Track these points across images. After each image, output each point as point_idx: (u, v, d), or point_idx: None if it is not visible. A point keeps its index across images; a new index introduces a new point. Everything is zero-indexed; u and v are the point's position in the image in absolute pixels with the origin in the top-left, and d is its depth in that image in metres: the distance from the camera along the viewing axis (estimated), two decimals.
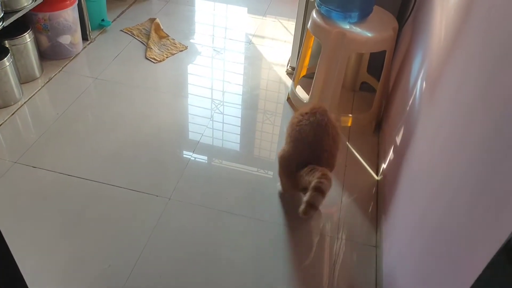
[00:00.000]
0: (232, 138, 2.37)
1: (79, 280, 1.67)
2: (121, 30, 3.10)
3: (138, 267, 1.72)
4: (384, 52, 2.23)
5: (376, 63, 2.55)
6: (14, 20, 2.46)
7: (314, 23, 2.16)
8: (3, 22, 2.20)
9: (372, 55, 2.53)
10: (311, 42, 2.42)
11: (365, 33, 2.07)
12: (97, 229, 1.84)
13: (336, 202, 2.05)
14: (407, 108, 1.89)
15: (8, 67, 2.28)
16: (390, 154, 2.03)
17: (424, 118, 1.60)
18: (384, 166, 2.11)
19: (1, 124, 2.28)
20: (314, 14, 2.19)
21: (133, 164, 2.14)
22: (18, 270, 1.06)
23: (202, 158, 2.22)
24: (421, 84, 1.75)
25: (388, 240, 1.76)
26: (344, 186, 2.13)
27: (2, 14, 2.19)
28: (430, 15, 1.89)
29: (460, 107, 1.24)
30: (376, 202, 2.06)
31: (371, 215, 2.00)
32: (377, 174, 2.20)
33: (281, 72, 2.86)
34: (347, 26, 2.09)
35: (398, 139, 1.94)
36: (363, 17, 2.14)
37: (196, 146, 2.27)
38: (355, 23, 2.12)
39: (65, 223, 1.86)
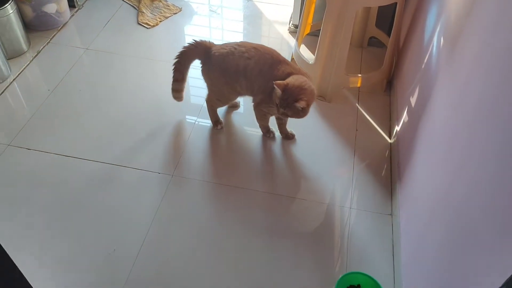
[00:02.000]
0: (237, 113, 2.24)
1: (84, 267, 1.60)
2: None
3: (144, 249, 1.65)
4: (393, 6, 2.05)
5: (385, 16, 2.36)
6: None
7: None
8: None
9: (381, 7, 2.34)
10: None
11: None
12: (99, 212, 1.76)
13: (348, 167, 1.94)
14: (422, 67, 1.74)
15: None
16: (404, 116, 1.90)
17: (444, 79, 1.45)
18: (397, 128, 1.98)
19: None
20: None
21: (132, 140, 2.03)
22: (11, 262, 0.96)
23: (204, 130, 2.10)
24: (438, 41, 1.60)
25: (404, 209, 1.67)
26: (355, 150, 2.01)
27: None
28: None
29: (489, 68, 1.10)
30: (389, 166, 1.96)
31: (385, 181, 1.90)
32: (390, 137, 2.08)
33: (283, 31, 2.68)
34: None
35: (413, 100, 1.81)
36: None
37: (197, 116, 2.15)
38: None
39: (64, 207, 1.77)
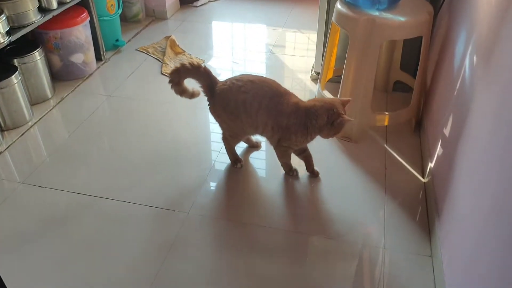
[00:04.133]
0: (258, 152, 2.15)
1: None
2: (136, 49, 2.99)
3: None
4: (418, 47, 2.01)
5: (410, 58, 2.32)
6: (26, 40, 2.38)
7: (340, 13, 1.97)
8: (9, 37, 2.09)
9: (405, 49, 2.31)
10: (337, 38, 2.22)
11: (397, 18, 1.86)
12: (110, 249, 1.62)
13: (379, 206, 1.78)
14: (455, 93, 1.64)
15: (16, 85, 2.16)
16: (438, 150, 1.76)
17: (480, 96, 1.35)
18: (431, 165, 1.84)
19: (10, 145, 2.14)
20: (338, 4, 2.00)
21: (150, 180, 1.94)
22: None
23: (221, 170, 2.00)
24: (471, 61, 1.51)
25: (447, 249, 1.47)
26: (386, 191, 1.86)
27: (8, 28, 2.08)
28: None
29: None
30: (425, 206, 1.78)
31: (421, 221, 1.72)
32: (423, 176, 1.92)
33: (305, 79, 2.66)
34: (376, 13, 1.89)
35: (446, 131, 1.68)
36: (393, 2, 1.94)
37: (216, 158, 2.06)
38: (384, 10, 1.91)
39: (75, 245, 1.65)
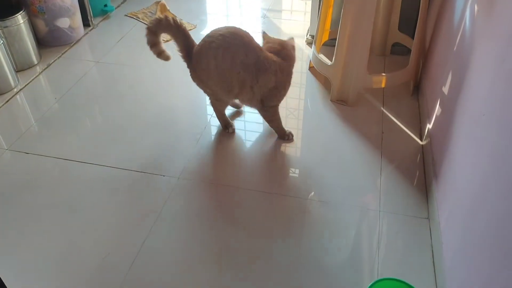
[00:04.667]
0: (252, 116, 2.08)
1: (74, 273, 1.39)
2: (126, 15, 2.89)
3: (141, 256, 1.43)
4: (417, 6, 1.92)
5: (409, 18, 2.23)
6: (9, 4, 2.28)
7: None
8: None
9: (404, 9, 2.21)
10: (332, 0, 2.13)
11: None
12: (97, 217, 1.57)
13: (376, 172, 1.72)
14: (454, 49, 1.56)
15: None
16: (437, 110, 1.69)
17: (480, 48, 1.27)
18: (429, 126, 1.77)
19: None
20: None
21: (139, 146, 1.88)
22: None
23: (213, 135, 1.94)
24: (471, 12, 1.43)
25: (444, 210, 1.42)
26: (382, 154, 1.80)
27: None
28: None
29: None
30: (423, 169, 1.73)
31: (418, 184, 1.67)
32: (421, 139, 1.86)
33: (301, 43, 2.57)
34: None
35: (445, 89, 1.61)
36: None
37: (207, 123, 1.99)
38: None
39: (60, 211, 1.60)
